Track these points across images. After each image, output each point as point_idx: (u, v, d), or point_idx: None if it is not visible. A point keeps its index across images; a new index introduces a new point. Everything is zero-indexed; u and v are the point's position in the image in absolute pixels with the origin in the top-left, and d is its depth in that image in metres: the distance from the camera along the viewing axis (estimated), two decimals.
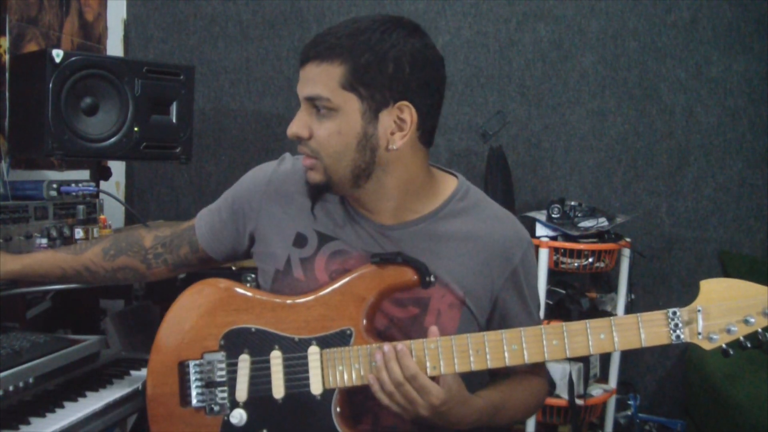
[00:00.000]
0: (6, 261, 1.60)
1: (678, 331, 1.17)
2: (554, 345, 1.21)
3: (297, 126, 1.31)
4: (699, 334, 1.16)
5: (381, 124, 1.28)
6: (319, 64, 1.26)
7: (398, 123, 1.28)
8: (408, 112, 1.28)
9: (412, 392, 1.21)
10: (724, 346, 1.16)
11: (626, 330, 1.19)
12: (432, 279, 1.29)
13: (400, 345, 1.23)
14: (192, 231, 1.55)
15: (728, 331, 1.15)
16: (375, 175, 1.32)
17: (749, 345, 1.15)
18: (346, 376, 1.29)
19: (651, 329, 1.18)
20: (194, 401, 1.35)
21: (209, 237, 1.52)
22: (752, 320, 1.14)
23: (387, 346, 1.23)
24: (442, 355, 1.24)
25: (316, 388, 1.30)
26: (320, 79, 1.26)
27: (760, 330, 1.14)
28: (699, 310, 1.16)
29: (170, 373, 1.37)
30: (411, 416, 1.24)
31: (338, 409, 1.30)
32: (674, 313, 1.17)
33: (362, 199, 1.36)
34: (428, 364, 1.25)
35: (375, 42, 1.25)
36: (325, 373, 1.30)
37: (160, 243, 1.57)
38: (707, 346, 1.17)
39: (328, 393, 1.30)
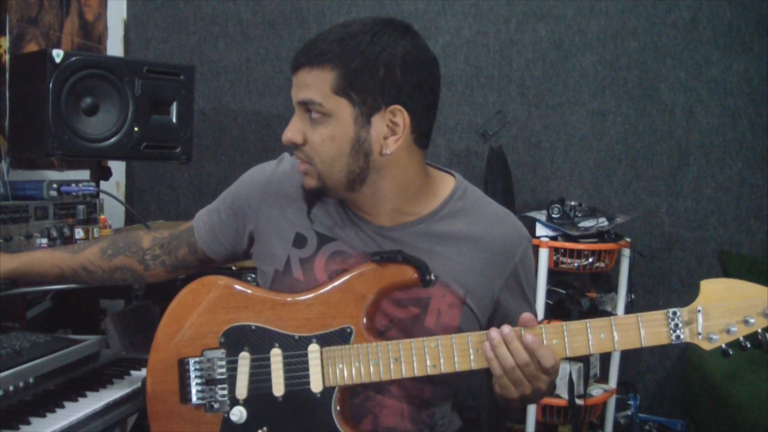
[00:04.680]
0: (4, 260, 1.60)
1: (678, 332, 1.17)
2: (554, 344, 1.22)
3: (291, 132, 1.31)
4: (699, 334, 1.16)
5: (374, 129, 1.27)
6: (310, 70, 1.27)
7: (391, 127, 1.28)
8: (401, 116, 1.27)
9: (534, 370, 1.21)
10: (723, 346, 1.16)
11: (626, 330, 1.19)
12: (432, 278, 1.29)
13: (507, 329, 1.21)
14: (190, 232, 1.54)
15: (728, 332, 1.15)
16: (370, 180, 1.32)
17: (749, 345, 1.15)
18: (346, 374, 1.29)
19: (651, 329, 1.18)
20: (194, 398, 1.35)
21: (208, 238, 1.52)
22: (752, 321, 1.14)
23: (496, 335, 1.21)
24: (443, 354, 1.25)
25: (316, 386, 1.30)
26: (312, 84, 1.27)
27: (759, 331, 1.14)
28: (699, 311, 1.16)
29: (170, 371, 1.37)
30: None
31: (338, 408, 1.30)
32: (674, 313, 1.17)
33: (359, 203, 1.37)
34: (428, 362, 1.25)
35: (365, 46, 1.24)
36: (325, 371, 1.30)
37: (158, 244, 1.57)
38: (707, 346, 1.17)
39: (328, 391, 1.30)
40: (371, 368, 1.28)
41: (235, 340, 1.34)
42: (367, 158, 1.29)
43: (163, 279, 1.61)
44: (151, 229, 1.65)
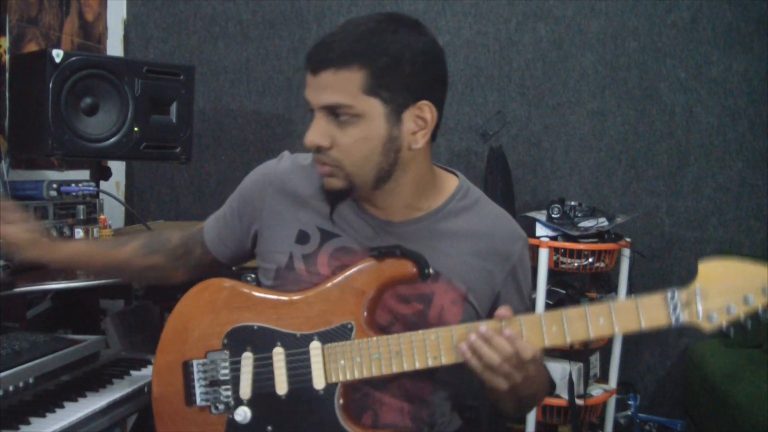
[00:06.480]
0: (48, 249, 1.55)
1: (677, 313, 1.15)
2: (554, 331, 1.21)
3: (316, 135, 1.27)
4: (698, 314, 1.15)
5: (404, 125, 1.28)
6: (336, 71, 1.23)
7: (419, 122, 1.29)
8: (428, 110, 1.28)
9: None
10: (724, 326, 1.14)
11: (625, 313, 1.18)
12: (431, 271, 1.29)
13: (483, 327, 1.21)
14: (201, 234, 1.54)
15: (728, 311, 1.14)
16: (395, 175, 1.32)
17: (749, 324, 1.13)
18: (348, 370, 1.29)
19: (650, 312, 1.17)
20: (199, 400, 1.36)
21: (217, 242, 1.52)
22: (751, 299, 1.13)
23: (474, 336, 1.21)
24: (443, 345, 1.25)
25: (318, 382, 1.30)
26: (340, 86, 1.24)
27: (759, 309, 1.12)
28: (698, 291, 1.15)
29: (175, 373, 1.38)
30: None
31: (341, 401, 1.30)
32: (673, 294, 1.16)
33: (375, 198, 1.36)
34: (429, 354, 1.25)
35: (389, 43, 1.24)
36: (327, 367, 1.30)
37: (182, 244, 1.56)
38: (707, 326, 1.15)
39: (330, 387, 1.30)
40: (372, 363, 1.28)
41: (238, 340, 1.35)
42: (396, 155, 1.29)
43: (185, 279, 1.58)
44: (175, 229, 1.63)
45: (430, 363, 1.26)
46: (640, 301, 1.18)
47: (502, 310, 1.23)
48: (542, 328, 1.21)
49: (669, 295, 1.16)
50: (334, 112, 1.26)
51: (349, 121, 1.25)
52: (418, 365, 1.26)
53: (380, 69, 1.23)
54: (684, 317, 1.15)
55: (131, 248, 1.58)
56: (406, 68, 1.24)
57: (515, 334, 1.19)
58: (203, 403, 1.35)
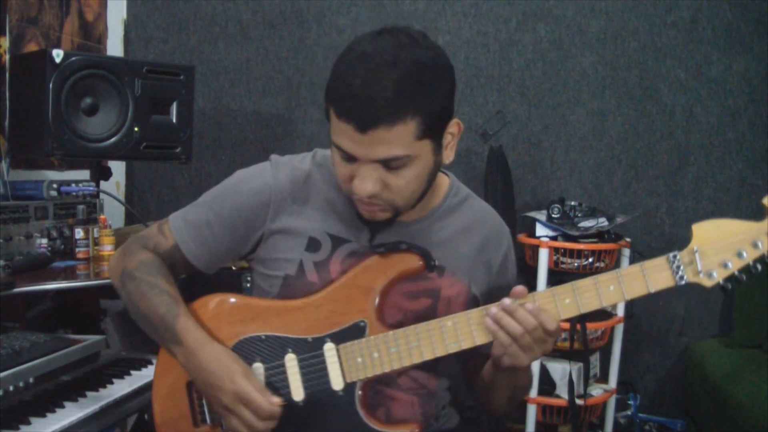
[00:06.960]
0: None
1: (681, 273, 1.21)
2: (567, 303, 1.24)
3: (372, 185, 1.24)
4: (699, 272, 1.21)
5: (443, 148, 1.30)
6: (389, 127, 1.18)
7: (448, 137, 1.29)
8: (455, 125, 1.29)
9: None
10: (722, 282, 1.22)
11: (632, 279, 1.23)
12: (436, 262, 1.31)
13: (507, 300, 1.23)
14: (179, 252, 1.42)
15: (725, 267, 1.21)
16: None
17: (744, 278, 1.22)
18: (367, 367, 1.28)
19: (655, 275, 1.22)
20: (209, 418, 1.32)
21: (201, 253, 1.42)
22: (744, 253, 1.21)
23: (495, 309, 1.23)
24: (460, 330, 1.26)
25: (337, 383, 1.29)
26: (395, 140, 1.20)
27: (751, 262, 1.21)
28: (696, 251, 1.22)
29: (179, 395, 1.34)
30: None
31: (361, 400, 1.29)
32: (674, 256, 1.22)
33: None
34: (447, 341, 1.26)
35: (429, 79, 1.21)
36: (345, 367, 1.29)
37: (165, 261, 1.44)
38: (708, 283, 1.22)
39: (349, 387, 1.29)
40: (391, 357, 1.27)
41: (246, 353, 1.31)
42: (436, 174, 1.32)
43: None
44: (142, 250, 1.45)
45: (450, 349, 1.27)
46: (645, 265, 1.23)
47: (519, 288, 1.25)
48: (555, 301, 1.24)
49: (671, 256, 1.22)
50: (387, 162, 1.23)
51: (402, 164, 1.23)
52: (438, 353, 1.27)
53: (430, 111, 1.21)
54: (687, 276, 1.22)
55: (170, 278, 1.43)
56: (444, 101, 1.24)
57: (538, 306, 1.23)
58: (215, 421, 1.32)
